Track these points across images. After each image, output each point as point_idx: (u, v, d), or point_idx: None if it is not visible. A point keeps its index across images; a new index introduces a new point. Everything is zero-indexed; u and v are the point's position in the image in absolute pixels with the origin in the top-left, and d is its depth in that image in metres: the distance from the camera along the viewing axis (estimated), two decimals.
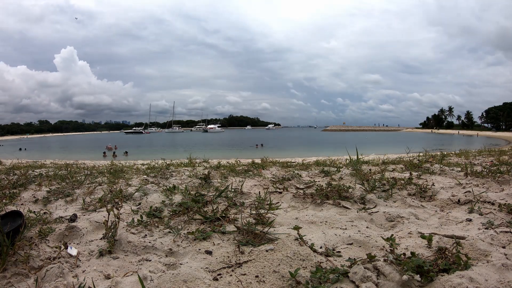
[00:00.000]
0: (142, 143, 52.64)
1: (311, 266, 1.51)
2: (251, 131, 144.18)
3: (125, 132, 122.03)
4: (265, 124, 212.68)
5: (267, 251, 1.65)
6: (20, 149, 38.69)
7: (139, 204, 2.70)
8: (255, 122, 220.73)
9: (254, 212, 2.29)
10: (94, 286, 1.42)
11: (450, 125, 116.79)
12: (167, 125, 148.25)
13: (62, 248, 1.71)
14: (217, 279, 1.46)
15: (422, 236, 1.72)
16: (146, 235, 1.96)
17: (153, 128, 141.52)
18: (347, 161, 4.61)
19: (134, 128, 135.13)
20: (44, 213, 2.46)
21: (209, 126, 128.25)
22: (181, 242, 1.86)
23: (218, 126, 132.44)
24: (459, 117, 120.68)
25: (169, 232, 2.00)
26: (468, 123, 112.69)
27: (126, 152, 29.69)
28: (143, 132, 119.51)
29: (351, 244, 1.80)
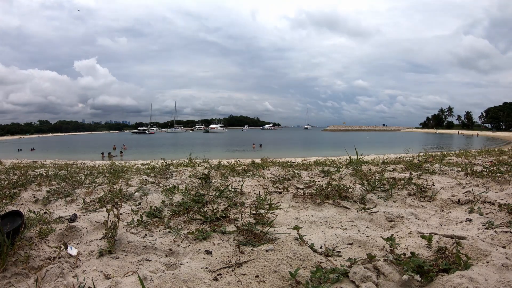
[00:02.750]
0: (150, 143, 52.70)
1: (311, 266, 1.51)
2: (250, 131, 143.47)
3: (132, 132, 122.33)
4: (266, 124, 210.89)
5: (267, 251, 1.65)
6: (33, 149, 39.02)
7: (139, 204, 2.70)
8: (255, 122, 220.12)
9: (254, 212, 2.29)
10: (94, 286, 1.42)
11: (450, 125, 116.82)
12: (169, 125, 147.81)
13: (62, 248, 1.71)
14: (217, 279, 1.46)
15: (422, 236, 1.72)
16: (146, 235, 1.96)
17: (155, 128, 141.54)
18: (347, 161, 4.61)
19: (138, 128, 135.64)
20: (44, 213, 2.46)
21: (211, 126, 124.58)
22: (181, 242, 1.86)
23: (221, 126, 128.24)
24: (459, 117, 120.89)
25: (169, 232, 2.00)
26: (468, 123, 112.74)
27: (122, 152, 29.70)
28: (147, 132, 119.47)
29: (351, 244, 1.80)
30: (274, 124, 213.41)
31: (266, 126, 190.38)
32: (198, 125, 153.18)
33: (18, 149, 38.79)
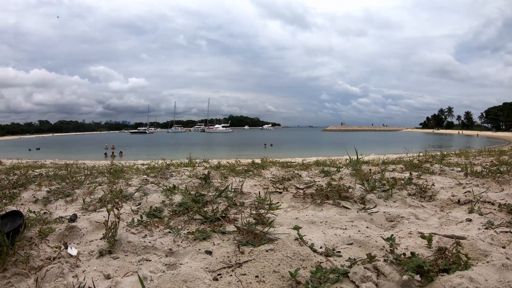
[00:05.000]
0: (151, 143, 52.67)
1: (311, 266, 1.51)
2: (250, 131, 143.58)
3: (130, 132, 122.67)
4: (266, 124, 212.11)
5: (267, 251, 1.65)
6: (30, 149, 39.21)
7: (139, 204, 2.70)
8: (255, 122, 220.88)
9: (254, 212, 2.29)
10: (94, 286, 1.42)
11: (450, 125, 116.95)
12: (169, 125, 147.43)
13: (62, 248, 1.71)
14: (217, 279, 1.46)
15: (422, 236, 1.72)
16: (146, 235, 1.96)
17: (153, 128, 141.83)
18: (347, 161, 4.61)
19: (138, 128, 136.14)
20: (44, 213, 2.46)
21: (216, 126, 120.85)
22: (181, 242, 1.86)
23: (223, 126, 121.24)
24: (459, 117, 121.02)
25: (169, 232, 2.00)
26: (467, 123, 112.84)
27: (121, 152, 29.74)
28: (147, 132, 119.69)
29: (351, 244, 1.80)
30: (273, 124, 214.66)
31: (265, 126, 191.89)
32: (198, 125, 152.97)
33: (29, 149, 39.26)
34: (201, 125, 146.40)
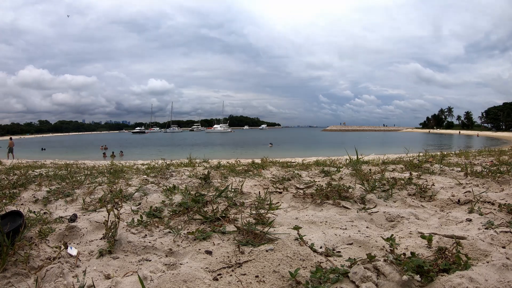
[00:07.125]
0: (151, 143, 52.85)
1: (311, 266, 1.51)
2: (249, 131, 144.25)
3: (132, 132, 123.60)
4: (268, 124, 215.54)
5: (267, 251, 1.65)
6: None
7: (139, 204, 2.70)
8: (255, 122, 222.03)
9: (254, 212, 2.29)
10: (94, 286, 1.42)
11: (450, 125, 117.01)
12: (166, 125, 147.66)
13: (62, 248, 1.71)
14: (217, 279, 1.46)
15: (422, 236, 1.72)
16: (146, 235, 1.96)
17: (156, 128, 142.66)
18: (347, 161, 4.61)
19: (138, 128, 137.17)
20: (44, 213, 2.46)
21: (215, 126, 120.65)
22: (181, 242, 1.86)
23: (221, 126, 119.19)
24: (459, 117, 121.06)
25: (169, 232, 2.00)
26: (468, 123, 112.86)
27: (121, 152, 29.83)
28: (145, 132, 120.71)
29: (351, 244, 1.80)
30: (269, 125, 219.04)
31: (262, 126, 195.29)
32: (195, 125, 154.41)
33: (42, 148, 39.38)
34: (198, 125, 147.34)
